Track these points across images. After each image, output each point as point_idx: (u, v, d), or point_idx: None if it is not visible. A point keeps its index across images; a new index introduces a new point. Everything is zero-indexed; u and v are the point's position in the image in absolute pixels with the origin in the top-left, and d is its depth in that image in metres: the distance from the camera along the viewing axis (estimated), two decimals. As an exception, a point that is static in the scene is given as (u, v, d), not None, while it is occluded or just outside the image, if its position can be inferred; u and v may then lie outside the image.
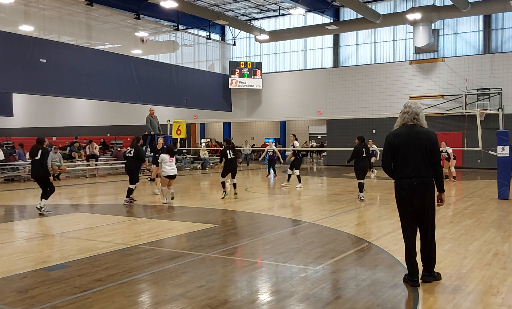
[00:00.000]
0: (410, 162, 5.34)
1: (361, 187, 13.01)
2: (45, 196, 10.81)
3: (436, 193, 5.47)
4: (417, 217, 5.42)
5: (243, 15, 31.60)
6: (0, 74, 20.19)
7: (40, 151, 10.57)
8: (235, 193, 13.74)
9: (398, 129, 5.52)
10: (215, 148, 30.18)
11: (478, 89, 26.36)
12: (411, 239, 5.45)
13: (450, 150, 18.79)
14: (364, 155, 13.07)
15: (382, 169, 5.73)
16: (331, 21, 29.80)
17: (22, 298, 5.09)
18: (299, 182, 16.47)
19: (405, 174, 5.36)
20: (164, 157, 12.56)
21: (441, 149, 18.46)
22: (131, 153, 12.85)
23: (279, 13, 31.01)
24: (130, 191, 12.70)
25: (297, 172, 16.51)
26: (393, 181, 5.57)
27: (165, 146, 13.89)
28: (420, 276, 5.47)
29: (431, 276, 5.51)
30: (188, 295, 5.16)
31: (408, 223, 5.47)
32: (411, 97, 28.09)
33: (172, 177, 12.58)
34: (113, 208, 11.60)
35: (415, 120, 5.44)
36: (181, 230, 9.15)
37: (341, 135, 29.30)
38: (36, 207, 10.83)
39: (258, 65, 33.00)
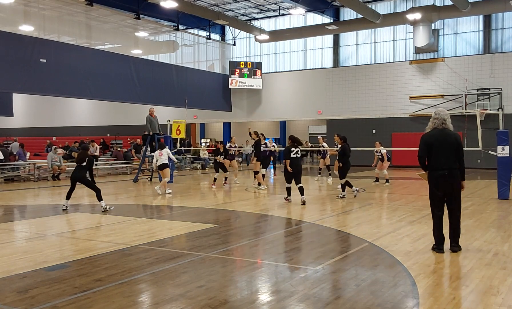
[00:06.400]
0: (442, 156, 6.78)
1: (288, 191, 12.58)
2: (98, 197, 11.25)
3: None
4: (446, 200, 6.90)
5: (243, 15, 31.59)
6: (0, 74, 20.19)
7: (87, 158, 11.25)
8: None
9: (431, 131, 6.95)
10: (215, 148, 30.15)
11: (478, 89, 26.37)
12: (440, 218, 6.92)
13: (384, 150, 17.97)
14: (298, 155, 12.62)
15: (418, 162, 7.00)
16: (331, 21, 29.80)
17: (22, 298, 5.09)
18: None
19: (438, 166, 6.80)
20: (156, 152, 15.22)
21: (375, 149, 18.03)
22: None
23: (279, 13, 31.01)
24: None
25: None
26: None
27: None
28: (449, 247, 6.98)
29: (457, 246, 6.96)
30: (188, 295, 5.16)
31: (438, 205, 6.93)
32: (411, 97, 28.17)
33: (160, 167, 14.95)
34: (113, 206, 11.58)
35: (444, 125, 6.88)
36: (181, 230, 9.14)
37: (341, 135, 29.28)
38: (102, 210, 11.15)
39: (258, 65, 32.99)
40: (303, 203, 12.03)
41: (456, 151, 6.80)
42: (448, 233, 7.01)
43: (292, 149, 12.32)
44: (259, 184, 16.29)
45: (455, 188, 6.83)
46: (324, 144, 19.56)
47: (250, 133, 17.45)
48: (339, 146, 14.19)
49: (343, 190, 13.41)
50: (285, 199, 12.81)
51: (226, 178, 17.15)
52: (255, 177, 16.60)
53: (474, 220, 9.84)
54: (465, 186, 7.05)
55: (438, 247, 6.98)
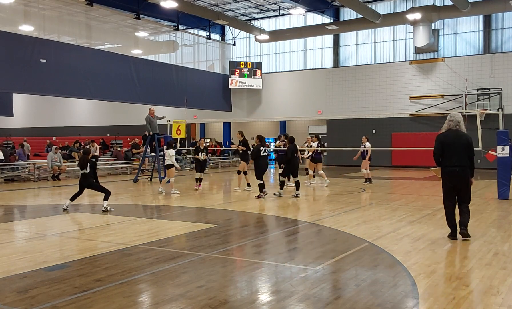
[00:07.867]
0: (455, 155, 7.64)
1: (261, 188, 13.51)
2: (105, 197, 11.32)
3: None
4: (457, 193, 7.76)
5: (243, 15, 31.59)
6: (0, 74, 20.19)
7: (88, 163, 11.26)
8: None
9: (446, 132, 7.81)
10: (215, 148, 30.20)
11: (478, 89, 26.36)
12: (452, 209, 7.83)
13: (368, 145, 17.60)
14: (266, 154, 13.96)
15: (433, 158, 7.86)
16: (331, 21, 29.79)
17: (22, 298, 5.09)
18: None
19: (451, 163, 7.67)
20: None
21: (362, 144, 17.88)
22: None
23: (279, 13, 31.00)
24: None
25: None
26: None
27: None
28: (458, 232, 7.79)
29: (466, 230, 7.69)
30: (188, 295, 5.16)
31: (450, 197, 7.82)
32: (411, 97, 28.16)
33: (166, 167, 15.36)
34: (113, 208, 11.58)
35: (458, 127, 7.74)
36: (181, 230, 9.14)
37: (341, 135, 29.32)
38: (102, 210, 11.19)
39: (258, 65, 32.99)
40: (259, 197, 13.31)
41: (467, 150, 7.66)
42: (458, 221, 7.79)
43: (261, 148, 13.70)
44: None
45: (464, 182, 7.69)
46: (313, 144, 19.32)
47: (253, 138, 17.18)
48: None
49: (281, 188, 14.10)
50: (259, 196, 13.39)
51: (199, 180, 16.55)
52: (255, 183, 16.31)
53: (474, 220, 9.84)
54: (473, 182, 7.88)
55: (452, 235, 7.86)
